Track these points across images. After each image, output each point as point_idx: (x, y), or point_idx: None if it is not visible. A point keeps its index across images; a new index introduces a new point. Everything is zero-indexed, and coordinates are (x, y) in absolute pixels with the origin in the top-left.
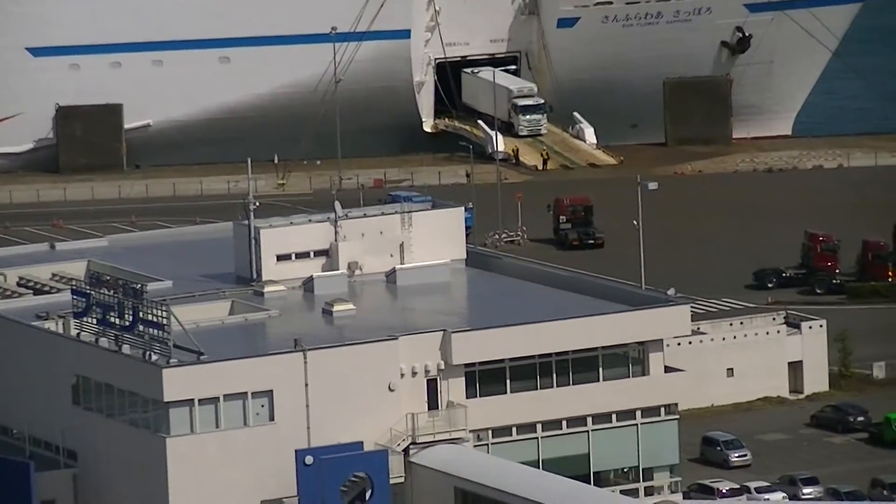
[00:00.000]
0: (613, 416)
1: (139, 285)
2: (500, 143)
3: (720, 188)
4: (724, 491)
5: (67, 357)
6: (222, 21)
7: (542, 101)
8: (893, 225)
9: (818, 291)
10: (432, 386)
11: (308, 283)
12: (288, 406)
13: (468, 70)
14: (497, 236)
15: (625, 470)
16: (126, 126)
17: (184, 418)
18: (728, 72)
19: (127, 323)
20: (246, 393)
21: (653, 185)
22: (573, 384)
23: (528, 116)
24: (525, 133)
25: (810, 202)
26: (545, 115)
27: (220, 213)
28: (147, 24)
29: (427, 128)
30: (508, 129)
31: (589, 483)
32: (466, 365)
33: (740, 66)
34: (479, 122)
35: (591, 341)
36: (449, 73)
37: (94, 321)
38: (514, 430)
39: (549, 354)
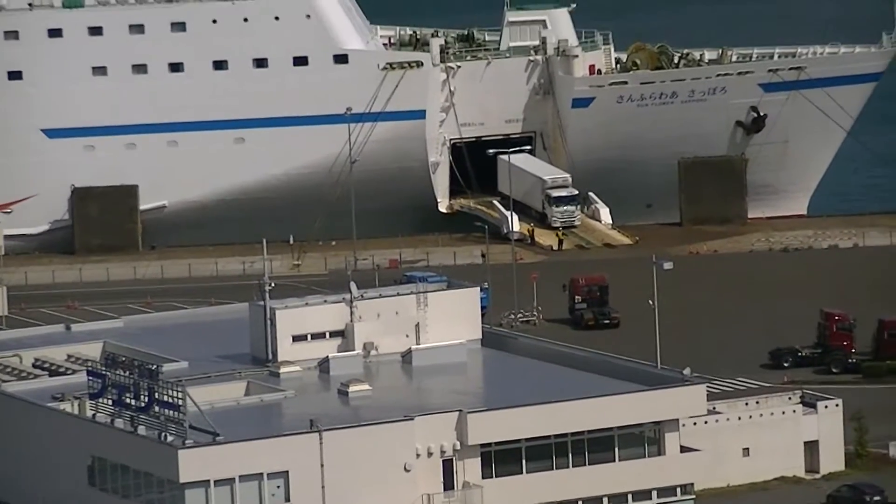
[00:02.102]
0: (629, 497)
1: (155, 366)
2: (516, 224)
3: (736, 267)
4: None
5: (83, 438)
6: (237, 102)
7: (576, 193)
8: None
9: (834, 371)
10: (448, 466)
11: (324, 364)
12: (304, 487)
13: (502, 156)
14: (513, 316)
15: None
16: (141, 207)
17: (199, 499)
18: (743, 151)
19: (143, 404)
20: (262, 474)
21: (668, 265)
22: (589, 464)
23: (561, 208)
24: (558, 225)
25: (826, 281)
26: (578, 206)
27: (236, 294)
28: (162, 106)
29: (442, 208)
30: (542, 220)
31: None
32: (482, 445)
33: (755, 145)
34: (495, 202)
35: (607, 421)
36: (465, 154)
37: (110, 402)
38: None
39: (565, 434)
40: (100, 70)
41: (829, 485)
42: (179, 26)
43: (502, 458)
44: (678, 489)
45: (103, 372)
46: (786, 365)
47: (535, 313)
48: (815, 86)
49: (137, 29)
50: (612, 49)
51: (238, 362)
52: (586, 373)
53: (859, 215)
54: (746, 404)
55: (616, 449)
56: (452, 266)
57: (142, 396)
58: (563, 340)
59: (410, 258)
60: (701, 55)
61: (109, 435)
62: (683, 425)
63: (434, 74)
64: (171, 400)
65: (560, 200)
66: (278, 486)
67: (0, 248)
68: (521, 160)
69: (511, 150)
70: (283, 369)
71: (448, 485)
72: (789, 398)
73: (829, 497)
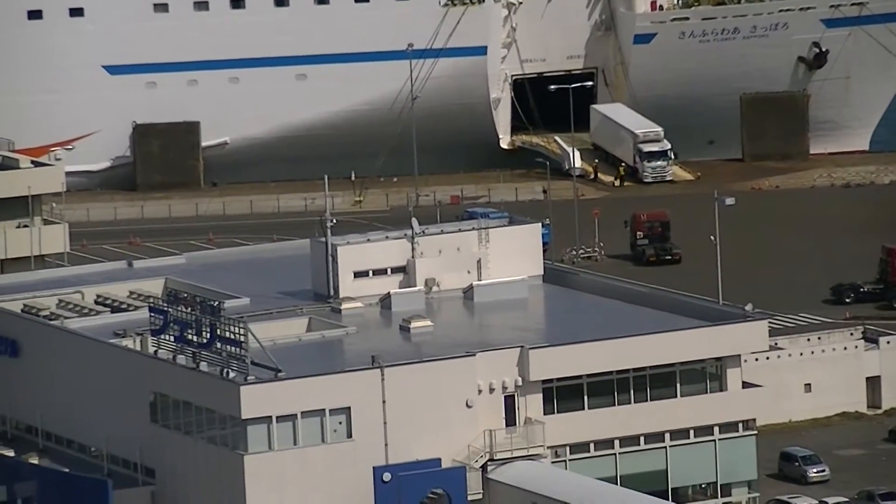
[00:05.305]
0: (691, 432)
1: (216, 302)
2: (577, 160)
3: (797, 203)
4: None
5: (145, 374)
6: (299, 38)
7: (668, 147)
8: None
9: (895, 306)
10: (510, 402)
11: (385, 300)
12: (366, 423)
13: (595, 106)
14: (574, 252)
15: (703, 486)
16: (203, 144)
17: (261, 435)
18: (805, 87)
19: (204, 340)
20: (324, 410)
21: (730, 201)
22: (651, 400)
23: (653, 163)
24: (649, 180)
25: (888, 217)
26: (670, 161)
27: (297, 231)
28: (224, 42)
29: (504, 144)
30: (634, 174)
31: (667, 499)
32: (544, 381)
33: (817, 81)
34: (556, 138)
35: (669, 357)
36: (527, 90)
37: (172, 338)
38: (591, 446)
39: (627, 370)
40: (161, 7)
41: (891, 420)
42: None
43: (564, 394)
44: (740, 425)
45: (165, 308)
46: (847, 300)
47: (596, 249)
48: (877, 21)
49: None
50: None
51: (299, 298)
52: (648, 309)
53: None
54: (808, 340)
55: (678, 385)
56: (514, 202)
57: (203, 333)
58: (625, 276)
59: (472, 194)
60: None
61: (171, 371)
62: (745, 361)
63: (495, 11)
64: (232, 336)
65: (652, 156)
66: (340, 422)
67: (62, 184)
68: (612, 110)
69: (573, 85)
70: (344, 305)
71: (510, 421)
72: (851, 334)
73: (890, 432)
